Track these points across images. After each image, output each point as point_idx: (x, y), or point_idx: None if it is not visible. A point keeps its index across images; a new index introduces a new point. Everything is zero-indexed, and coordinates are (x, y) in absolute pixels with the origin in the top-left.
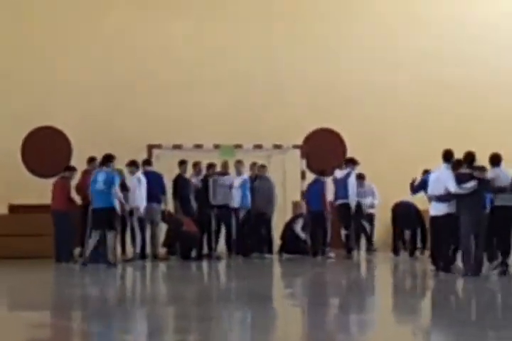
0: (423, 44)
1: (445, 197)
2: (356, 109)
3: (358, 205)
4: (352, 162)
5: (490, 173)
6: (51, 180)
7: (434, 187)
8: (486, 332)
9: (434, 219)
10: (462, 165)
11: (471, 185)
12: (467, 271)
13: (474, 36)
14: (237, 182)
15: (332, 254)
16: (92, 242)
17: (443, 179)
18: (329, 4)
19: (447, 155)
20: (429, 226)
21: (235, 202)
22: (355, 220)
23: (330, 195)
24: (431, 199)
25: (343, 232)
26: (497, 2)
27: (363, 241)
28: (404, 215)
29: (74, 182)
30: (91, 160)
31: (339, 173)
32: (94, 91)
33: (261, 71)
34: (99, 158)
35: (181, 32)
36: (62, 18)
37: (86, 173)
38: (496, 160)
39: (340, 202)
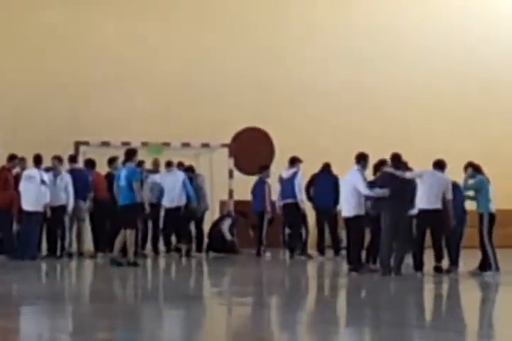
0: (351, 44)
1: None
2: (285, 109)
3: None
4: (297, 160)
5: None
6: None
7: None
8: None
9: (345, 220)
10: (386, 164)
11: (382, 191)
12: (382, 270)
13: (399, 37)
14: (180, 180)
15: (268, 254)
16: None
17: (352, 181)
18: (263, 4)
19: (359, 158)
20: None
21: (181, 200)
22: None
23: (274, 195)
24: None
25: (287, 231)
26: None
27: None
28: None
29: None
30: (11, 158)
31: (285, 173)
32: (23, 87)
33: (191, 70)
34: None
35: (113, 31)
36: None
37: (4, 170)
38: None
39: (287, 201)
